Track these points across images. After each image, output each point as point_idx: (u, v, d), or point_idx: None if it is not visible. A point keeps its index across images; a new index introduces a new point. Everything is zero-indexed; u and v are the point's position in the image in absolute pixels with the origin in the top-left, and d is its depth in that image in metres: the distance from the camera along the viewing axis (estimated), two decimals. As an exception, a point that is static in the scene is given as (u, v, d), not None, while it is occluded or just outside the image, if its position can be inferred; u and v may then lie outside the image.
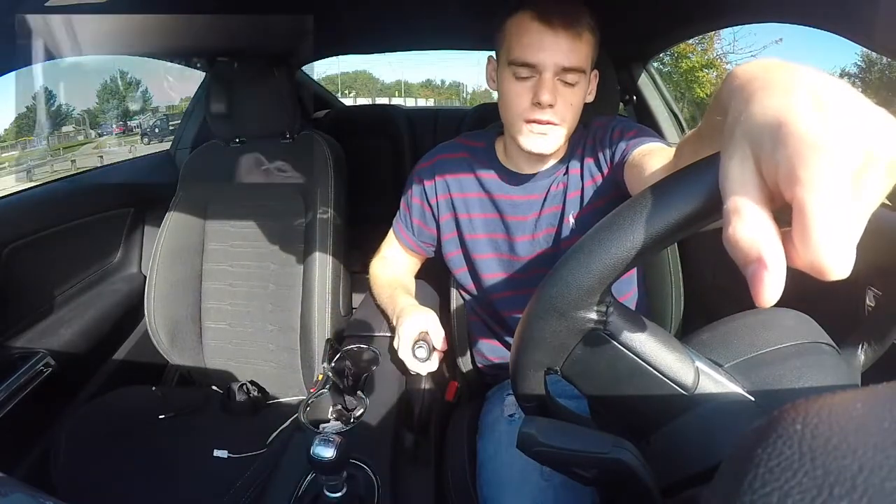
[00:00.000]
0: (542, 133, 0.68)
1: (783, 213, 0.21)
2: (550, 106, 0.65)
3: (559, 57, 0.64)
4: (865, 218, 0.20)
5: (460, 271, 0.88)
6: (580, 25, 0.64)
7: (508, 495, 0.67)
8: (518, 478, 0.67)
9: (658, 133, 0.86)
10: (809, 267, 0.19)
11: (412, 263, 0.95)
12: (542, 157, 0.75)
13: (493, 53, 0.74)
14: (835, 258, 0.19)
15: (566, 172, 0.76)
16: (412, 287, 0.92)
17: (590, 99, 0.72)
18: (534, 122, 0.67)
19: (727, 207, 0.22)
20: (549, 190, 0.77)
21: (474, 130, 0.89)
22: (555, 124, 0.67)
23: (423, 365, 0.73)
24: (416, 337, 0.74)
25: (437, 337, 0.75)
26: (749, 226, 0.21)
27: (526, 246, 0.80)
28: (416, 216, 0.87)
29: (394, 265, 0.93)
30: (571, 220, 0.75)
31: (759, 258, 0.20)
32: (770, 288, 0.20)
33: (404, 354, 0.74)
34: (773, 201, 0.21)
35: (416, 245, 0.89)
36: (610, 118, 0.78)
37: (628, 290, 0.85)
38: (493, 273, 0.83)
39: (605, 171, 0.73)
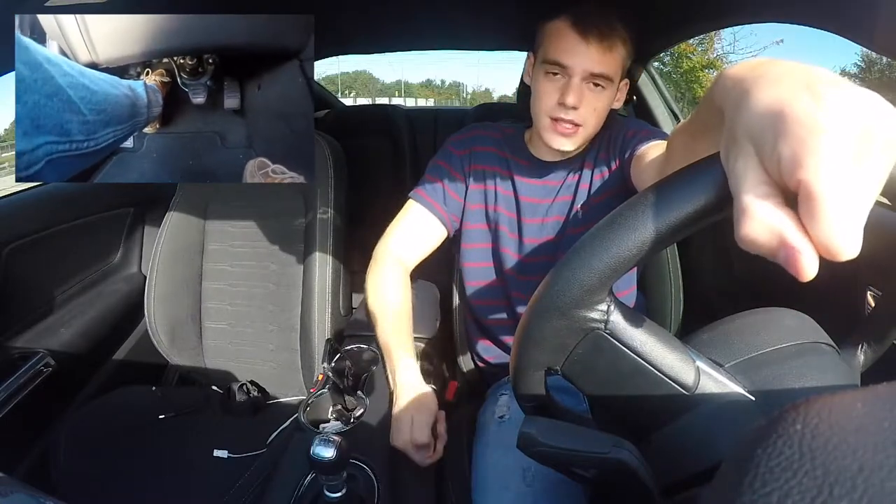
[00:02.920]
0: (565, 134, 0.72)
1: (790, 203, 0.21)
2: (574, 108, 0.69)
3: (589, 63, 0.67)
4: (872, 195, 0.20)
5: (477, 246, 0.86)
6: (613, 38, 0.68)
7: (491, 498, 0.67)
8: (500, 481, 0.67)
9: None
10: (820, 248, 0.19)
11: (430, 243, 0.85)
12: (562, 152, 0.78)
13: (529, 52, 0.79)
14: (845, 237, 0.19)
15: (582, 166, 0.79)
16: (410, 314, 0.82)
17: (617, 106, 0.76)
18: (558, 120, 0.71)
19: (736, 208, 0.22)
20: (564, 180, 0.80)
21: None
22: (577, 125, 0.71)
23: (424, 455, 0.68)
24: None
25: (431, 429, 0.70)
26: (762, 221, 0.21)
27: (534, 229, 0.81)
28: (448, 184, 0.83)
29: (405, 251, 0.83)
30: (578, 211, 0.78)
31: (785, 244, 0.20)
32: (809, 265, 0.20)
33: (404, 443, 0.68)
34: (782, 193, 0.21)
35: (445, 215, 0.83)
36: (628, 119, 0.82)
37: (626, 289, 0.85)
38: (508, 250, 0.84)
39: (614, 166, 0.76)
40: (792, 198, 0.21)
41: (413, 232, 0.84)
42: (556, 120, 0.71)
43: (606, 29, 0.67)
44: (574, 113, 0.70)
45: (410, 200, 0.85)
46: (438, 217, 0.84)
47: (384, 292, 0.80)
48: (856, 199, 0.19)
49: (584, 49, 0.67)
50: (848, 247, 0.19)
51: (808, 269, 0.20)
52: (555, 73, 0.70)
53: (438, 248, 0.87)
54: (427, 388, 0.73)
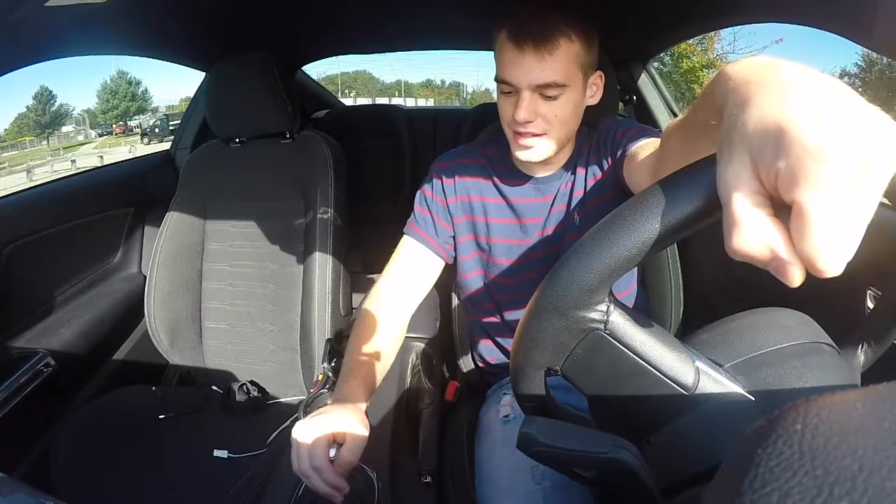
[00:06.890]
0: (527, 146, 0.70)
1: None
2: (529, 121, 0.67)
3: (531, 76, 0.65)
4: (867, 217, 0.21)
5: (473, 274, 0.85)
6: (553, 39, 0.64)
7: (499, 497, 0.67)
8: (509, 480, 0.67)
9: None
10: (806, 264, 0.21)
11: (429, 278, 0.83)
12: (540, 162, 0.76)
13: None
14: (829, 259, 0.20)
15: (574, 172, 0.78)
16: (392, 354, 0.75)
17: (592, 102, 0.73)
18: (519, 133, 0.70)
19: (727, 218, 0.23)
20: (558, 190, 0.79)
21: (487, 136, 0.92)
22: (538, 136, 0.69)
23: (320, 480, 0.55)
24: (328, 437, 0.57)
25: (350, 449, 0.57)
26: (753, 235, 0.22)
27: (532, 242, 0.81)
28: (438, 214, 0.83)
29: (403, 296, 0.80)
30: (576, 218, 0.77)
31: (776, 258, 0.22)
32: (798, 274, 0.22)
33: (303, 461, 0.57)
34: (772, 201, 0.22)
35: (439, 247, 0.82)
36: (615, 120, 0.81)
37: (626, 289, 0.85)
38: (507, 278, 0.82)
39: (607, 168, 0.75)
40: (781, 205, 0.22)
41: (409, 270, 0.82)
42: (517, 133, 0.70)
43: (541, 34, 0.63)
44: (531, 126, 0.68)
45: (405, 236, 0.84)
46: (432, 249, 0.82)
47: (368, 336, 0.73)
48: (846, 224, 0.20)
49: (521, 62, 0.64)
50: (831, 267, 0.20)
51: (798, 278, 0.22)
52: (507, 92, 0.68)
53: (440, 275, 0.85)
54: (350, 406, 0.60)
